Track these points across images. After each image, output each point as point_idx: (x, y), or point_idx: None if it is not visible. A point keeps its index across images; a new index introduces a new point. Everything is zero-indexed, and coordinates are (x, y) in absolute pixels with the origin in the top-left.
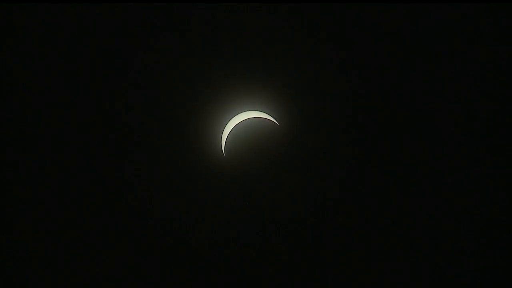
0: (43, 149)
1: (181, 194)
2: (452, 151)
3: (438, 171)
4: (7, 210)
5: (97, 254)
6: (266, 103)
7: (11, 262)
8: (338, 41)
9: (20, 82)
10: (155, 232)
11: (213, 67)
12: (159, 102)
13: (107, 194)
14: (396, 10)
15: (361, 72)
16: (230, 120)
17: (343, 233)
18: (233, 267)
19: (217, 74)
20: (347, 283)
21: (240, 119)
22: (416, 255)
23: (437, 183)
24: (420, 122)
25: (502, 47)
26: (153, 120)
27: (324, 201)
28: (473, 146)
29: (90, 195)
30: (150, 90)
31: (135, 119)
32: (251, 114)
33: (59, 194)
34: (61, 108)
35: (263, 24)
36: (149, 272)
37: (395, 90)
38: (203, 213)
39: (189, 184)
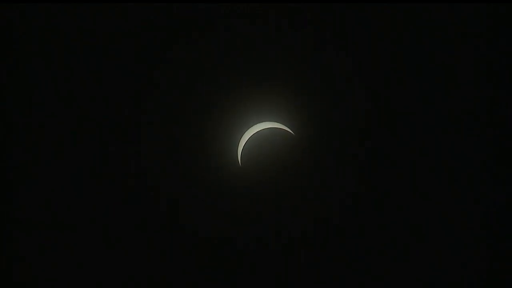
0: (51, 155)
1: (197, 202)
2: (471, 155)
3: (459, 179)
4: (6, 209)
5: (112, 261)
6: (282, 113)
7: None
8: (353, 49)
9: (20, 81)
10: (170, 238)
11: (230, 78)
12: (176, 111)
13: (122, 201)
14: (417, 10)
15: (376, 81)
16: (247, 131)
17: (357, 241)
18: (247, 273)
19: (233, 85)
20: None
21: (256, 129)
22: (431, 262)
23: (459, 190)
24: (440, 127)
25: (505, 47)
26: (169, 129)
27: (338, 209)
28: (480, 148)
29: (106, 199)
30: (165, 98)
31: (150, 127)
32: (267, 124)
33: (83, 205)
34: (75, 117)
35: (279, 32)
36: (164, 277)
37: (415, 98)
38: (219, 222)
39: (205, 193)
